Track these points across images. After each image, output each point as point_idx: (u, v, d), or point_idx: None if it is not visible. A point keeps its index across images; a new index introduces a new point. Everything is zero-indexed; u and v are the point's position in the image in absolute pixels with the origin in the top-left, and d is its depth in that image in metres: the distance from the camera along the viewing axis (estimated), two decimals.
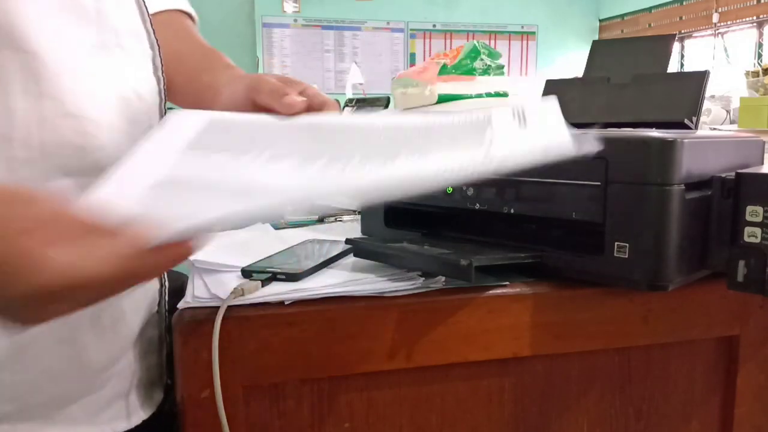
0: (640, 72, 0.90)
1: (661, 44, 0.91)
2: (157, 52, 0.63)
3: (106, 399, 0.61)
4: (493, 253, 0.69)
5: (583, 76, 0.98)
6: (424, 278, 0.67)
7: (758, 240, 0.62)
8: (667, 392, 0.75)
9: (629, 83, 0.91)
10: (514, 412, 0.71)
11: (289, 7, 6.99)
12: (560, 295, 0.68)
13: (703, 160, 0.65)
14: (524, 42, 7.97)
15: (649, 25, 7.41)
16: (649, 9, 7.38)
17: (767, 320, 0.76)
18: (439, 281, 0.67)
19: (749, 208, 0.63)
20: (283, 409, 0.65)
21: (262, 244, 0.82)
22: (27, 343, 0.52)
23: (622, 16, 7.89)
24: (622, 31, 7.86)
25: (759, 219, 0.62)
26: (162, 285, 0.67)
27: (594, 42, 1.00)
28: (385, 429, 0.68)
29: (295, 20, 7.13)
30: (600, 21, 8.24)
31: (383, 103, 1.74)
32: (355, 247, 0.73)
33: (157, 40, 0.63)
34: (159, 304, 0.67)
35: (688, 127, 0.79)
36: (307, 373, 0.63)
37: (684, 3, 6.94)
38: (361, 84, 4.81)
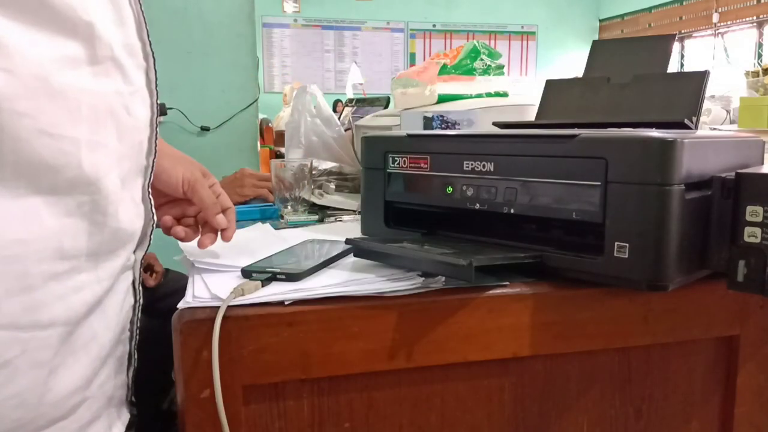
0: (640, 72, 0.90)
1: (661, 44, 0.91)
2: (152, 65, 0.61)
3: (80, 424, 0.56)
4: (493, 253, 0.69)
5: (583, 76, 0.98)
6: (424, 278, 0.67)
7: (758, 240, 0.62)
8: (667, 392, 0.75)
9: (629, 83, 0.91)
10: (514, 412, 0.71)
11: (289, 7, 6.99)
12: (560, 295, 0.68)
13: (703, 160, 0.65)
14: (524, 42, 7.97)
15: (649, 25, 7.41)
16: (649, 9, 7.39)
17: (767, 320, 0.76)
18: (439, 281, 0.67)
19: (749, 208, 0.62)
20: (283, 409, 0.65)
21: (262, 244, 0.82)
22: None
23: (622, 16, 7.89)
24: (622, 31, 7.86)
25: (759, 219, 0.62)
26: (136, 301, 0.64)
27: (594, 42, 1.00)
28: (385, 429, 0.68)
29: (295, 20, 7.13)
30: (600, 21, 8.24)
31: (383, 103, 1.75)
32: (355, 247, 0.73)
33: (152, 52, 0.61)
34: (131, 321, 0.64)
35: (688, 127, 0.79)
36: (307, 373, 0.63)
37: (684, 3, 6.94)
38: (361, 84, 4.81)
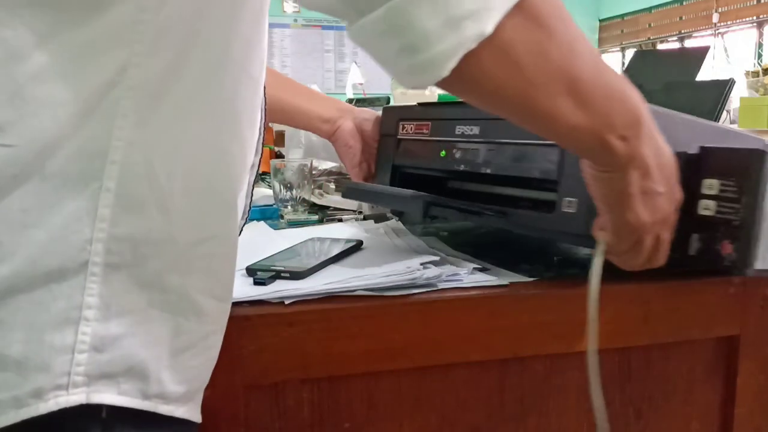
0: (672, 80, 0.94)
1: (695, 55, 0.95)
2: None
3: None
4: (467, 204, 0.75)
5: None
6: (425, 272, 0.67)
7: (712, 213, 0.62)
8: (667, 392, 0.75)
9: (659, 90, 0.94)
10: (514, 412, 0.71)
11: (289, 7, 6.99)
12: (560, 295, 0.68)
13: (670, 134, 0.65)
14: None
15: (649, 25, 7.42)
16: (649, 9, 7.39)
17: (767, 320, 0.76)
18: (441, 277, 0.67)
19: (706, 182, 0.63)
20: (283, 409, 0.65)
21: (262, 244, 0.82)
22: (215, 330, 0.52)
23: (622, 16, 7.89)
24: (622, 31, 7.87)
25: (714, 192, 0.62)
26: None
27: (636, 52, 1.07)
28: (385, 429, 0.68)
29: (295, 20, 7.13)
30: (600, 21, 8.25)
31: (383, 103, 1.75)
32: (346, 189, 0.83)
33: None
34: None
35: None
36: (307, 373, 0.63)
37: (684, 3, 6.95)
38: (361, 84, 4.81)
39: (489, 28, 0.41)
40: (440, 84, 0.43)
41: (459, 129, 0.78)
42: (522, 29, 0.43)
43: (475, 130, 0.76)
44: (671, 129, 0.65)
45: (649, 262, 0.61)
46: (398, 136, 0.88)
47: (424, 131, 0.84)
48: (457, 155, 0.78)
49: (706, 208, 0.63)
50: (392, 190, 0.77)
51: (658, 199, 0.57)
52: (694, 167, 0.64)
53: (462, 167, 0.78)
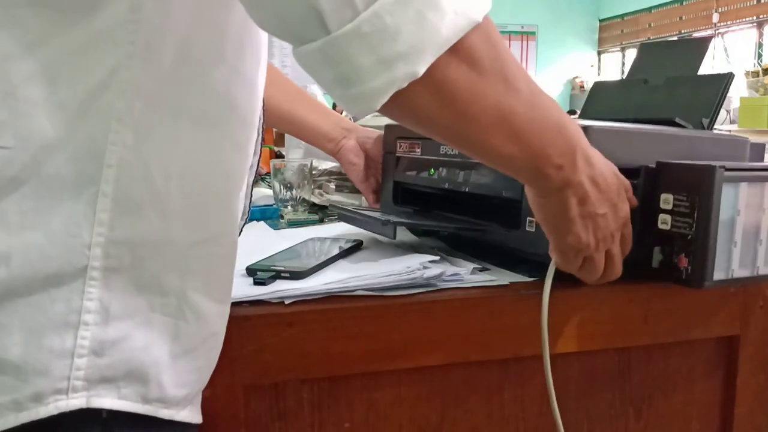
0: (674, 74, 0.94)
1: (696, 47, 0.95)
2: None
3: None
4: (438, 222, 0.83)
5: (627, 77, 1.05)
6: (425, 272, 0.67)
7: (668, 227, 0.64)
8: (667, 392, 0.76)
9: (662, 84, 0.95)
10: (514, 412, 0.71)
11: None
12: (560, 295, 0.68)
13: (628, 150, 0.67)
14: (524, 42, 7.98)
15: (649, 25, 7.43)
16: (649, 9, 7.40)
17: (767, 320, 0.76)
18: (441, 277, 0.67)
19: (663, 196, 0.65)
20: (283, 409, 0.65)
21: (261, 244, 0.82)
22: (215, 333, 0.52)
23: (622, 16, 7.90)
24: (622, 31, 7.87)
25: (669, 206, 0.64)
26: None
27: (641, 45, 1.07)
28: (385, 429, 0.68)
29: None
30: (600, 21, 8.25)
31: None
32: (338, 213, 0.89)
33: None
34: None
35: (679, 125, 0.80)
36: (307, 373, 0.63)
37: (684, 3, 6.95)
38: None
39: (420, 69, 0.42)
40: (378, 111, 0.45)
41: (443, 149, 0.82)
42: (455, 70, 0.44)
43: (456, 149, 0.79)
44: (630, 145, 0.68)
45: (605, 276, 0.64)
46: (397, 154, 0.92)
47: (416, 150, 0.88)
48: (443, 174, 0.82)
49: (664, 222, 0.65)
50: (370, 213, 0.84)
51: (599, 220, 0.59)
52: (653, 182, 0.66)
53: (446, 185, 0.82)
